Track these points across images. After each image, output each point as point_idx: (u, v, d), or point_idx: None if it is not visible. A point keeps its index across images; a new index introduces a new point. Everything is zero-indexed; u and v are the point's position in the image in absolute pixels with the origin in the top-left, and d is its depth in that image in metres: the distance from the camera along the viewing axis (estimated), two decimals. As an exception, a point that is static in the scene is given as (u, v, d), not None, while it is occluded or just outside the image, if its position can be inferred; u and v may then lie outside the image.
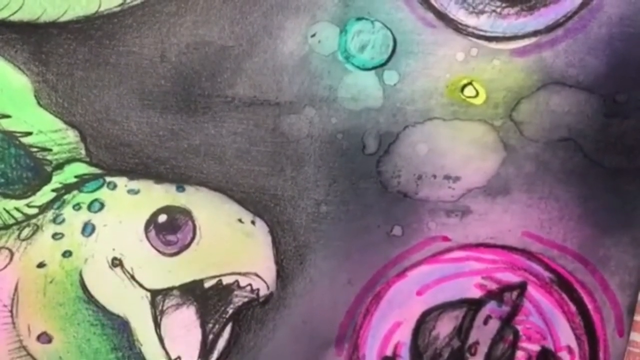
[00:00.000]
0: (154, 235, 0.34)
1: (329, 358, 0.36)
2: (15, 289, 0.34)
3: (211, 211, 0.35)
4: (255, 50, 0.33)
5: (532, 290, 0.36)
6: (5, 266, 0.34)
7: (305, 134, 0.34)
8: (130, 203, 0.34)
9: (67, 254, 0.34)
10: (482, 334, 0.37)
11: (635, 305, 0.36)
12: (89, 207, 0.34)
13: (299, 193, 0.35)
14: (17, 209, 0.34)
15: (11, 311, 0.35)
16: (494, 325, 0.36)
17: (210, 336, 0.35)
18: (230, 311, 0.36)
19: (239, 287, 0.35)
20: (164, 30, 0.33)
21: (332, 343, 0.36)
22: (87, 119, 0.34)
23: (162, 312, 0.35)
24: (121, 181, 0.34)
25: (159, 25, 0.33)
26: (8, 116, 0.33)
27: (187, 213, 0.35)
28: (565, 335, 0.37)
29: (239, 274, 0.35)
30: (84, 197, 0.34)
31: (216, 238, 0.35)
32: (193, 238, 0.35)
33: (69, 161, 0.34)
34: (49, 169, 0.34)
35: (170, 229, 0.34)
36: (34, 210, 0.34)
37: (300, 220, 0.35)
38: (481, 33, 0.33)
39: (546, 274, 0.36)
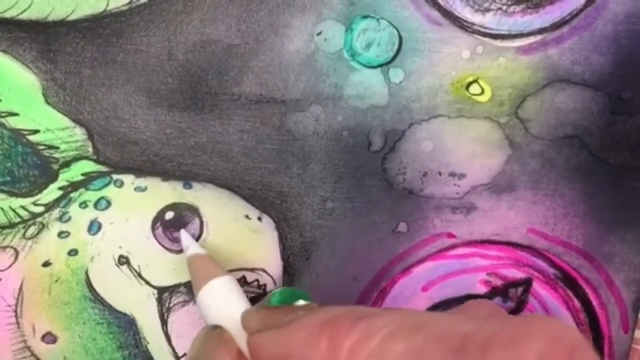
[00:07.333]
0: (161, 233, 0.35)
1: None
2: (20, 289, 0.34)
3: (218, 208, 0.35)
4: (262, 48, 0.33)
5: (537, 286, 0.36)
6: (10, 265, 0.34)
7: (311, 132, 0.34)
8: (137, 200, 0.34)
9: (72, 252, 0.34)
10: (487, 331, 0.37)
11: None
12: (96, 205, 0.34)
13: (305, 190, 0.35)
14: (23, 207, 0.34)
15: (15, 311, 0.34)
16: (499, 322, 0.36)
17: (217, 333, 0.35)
18: (237, 308, 0.36)
19: (246, 283, 0.35)
20: (171, 29, 0.33)
21: (338, 340, 0.36)
22: (94, 117, 0.34)
23: (169, 310, 0.35)
24: (128, 179, 0.34)
25: (166, 23, 0.33)
26: (16, 114, 0.33)
27: (194, 210, 0.35)
28: (570, 332, 0.37)
29: (246, 269, 0.35)
30: (91, 195, 0.34)
31: (223, 234, 0.35)
32: (200, 235, 0.35)
33: (76, 159, 0.34)
34: (55, 166, 0.34)
35: (177, 226, 0.34)
36: (40, 209, 0.34)
37: (306, 216, 0.35)
38: (487, 31, 0.34)
39: (551, 271, 0.36)
